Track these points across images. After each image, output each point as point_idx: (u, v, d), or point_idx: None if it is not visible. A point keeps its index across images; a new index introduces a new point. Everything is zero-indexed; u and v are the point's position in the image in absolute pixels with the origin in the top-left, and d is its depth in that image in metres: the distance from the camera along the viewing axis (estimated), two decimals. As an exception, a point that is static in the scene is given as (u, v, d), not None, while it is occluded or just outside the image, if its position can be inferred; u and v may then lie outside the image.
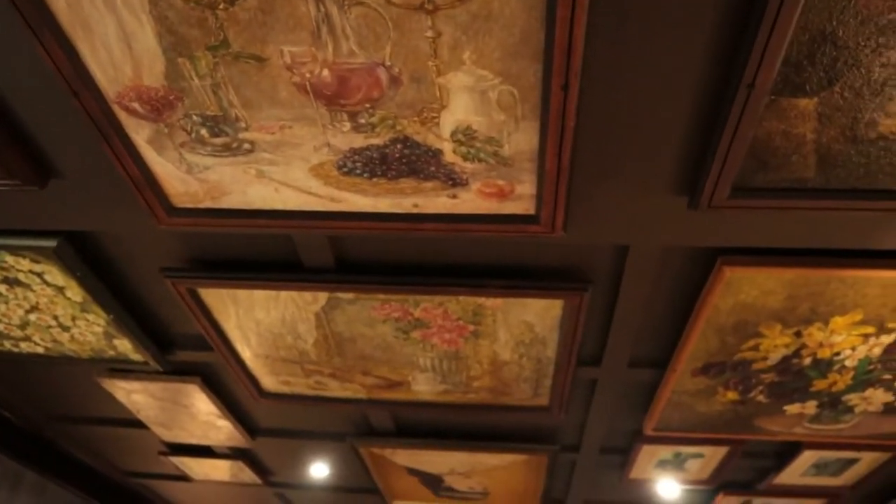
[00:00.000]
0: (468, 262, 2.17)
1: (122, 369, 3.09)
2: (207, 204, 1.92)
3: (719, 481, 3.75)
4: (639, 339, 2.55)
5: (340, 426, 3.50)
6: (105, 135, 1.69)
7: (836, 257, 2.00)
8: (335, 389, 2.96)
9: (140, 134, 1.71)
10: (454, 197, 1.76)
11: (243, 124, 1.64)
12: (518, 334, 2.41)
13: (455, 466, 3.70)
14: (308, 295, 2.35)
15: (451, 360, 2.64)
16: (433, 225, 1.84)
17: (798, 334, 2.32)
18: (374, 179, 1.75)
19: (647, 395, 2.90)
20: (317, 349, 2.65)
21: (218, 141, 1.71)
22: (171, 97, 1.60)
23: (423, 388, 2.85)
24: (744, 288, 2.11)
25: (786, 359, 2.47)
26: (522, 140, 1.58)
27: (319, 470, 4.10)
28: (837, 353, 2.43)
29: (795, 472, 3.56)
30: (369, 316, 2.41)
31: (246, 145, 1.71)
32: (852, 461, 3.43)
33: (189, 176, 1.83)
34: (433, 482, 3.95)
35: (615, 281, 2.21)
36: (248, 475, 4.25)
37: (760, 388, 2.67)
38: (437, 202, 1.79)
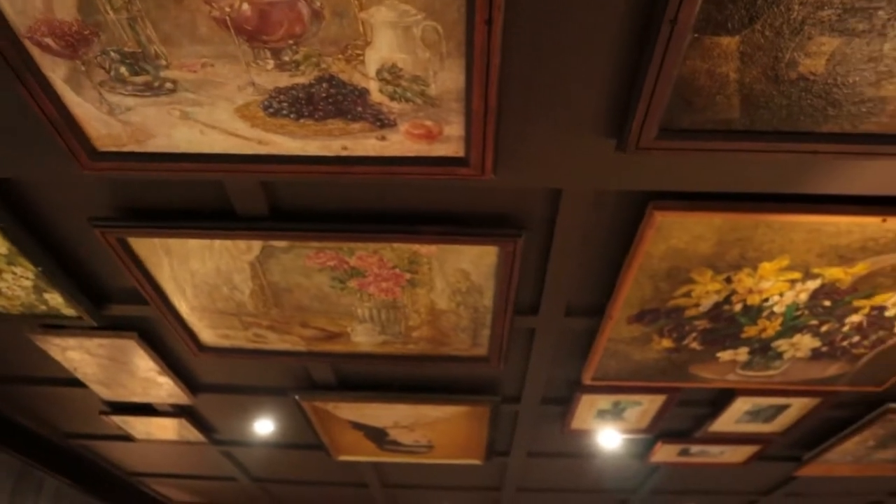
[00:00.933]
0: (402, 208, 2.16)
1: (56, 325, 3.02)
2: (132, 147, 1.86)
3: (658, 430, 3.85)
4: (575, 288, 2.58)
5: (282, 381, 3.49)
6: (18, 73, 1.63)
7: (762, 202, 2.04)
8: (274, 342, 2.94)
9: (56, 72, 1.64)
10: (383, 139, 1.74)
11: (164, 62, 1.59)
12: (454, 282, 2.41)
13: (398, 420, 3.73)
14: (242, 244, 2.32)
15: (389, 310, 2.64)
16: (363, 168, 1.82)
17: (728, 280, 2.38)
18: (302, 120, 1.72)
19: (585, 345, 2.94)
20: (254, 300, 2.63)
21: (138, 80, 1.66)
22: (86, 32, 1.54)
23: (363, 339, 2.85)
24: (675, 233, 2.14)
25: (717, 305, 2.52)
26: (448, 79, 1.57)
27: (264, 426, 4.09)
28: (766, 300, 2.49)
29: (730, 420, 3.66)
30: (304, 265, 2.38)
31: (168, 84, 1.66)
32: (783, 407, 3.54)
33: (111, 117, 1.77)
34: (377, 436, 3.97)
35: (549, 227, 2.22)
36: (191, 433, 4.22)
37: (694, 335, 2.73)
38: (366, 144, 1.76)
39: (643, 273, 2.35)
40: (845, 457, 4.28)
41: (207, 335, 2.94)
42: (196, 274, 2.50)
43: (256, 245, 2.32)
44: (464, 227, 2.16)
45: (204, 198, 2.20)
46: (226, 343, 2.98)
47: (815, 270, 2.31)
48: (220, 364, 3.31)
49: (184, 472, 5.25)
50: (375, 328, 2.77)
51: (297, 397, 3.50)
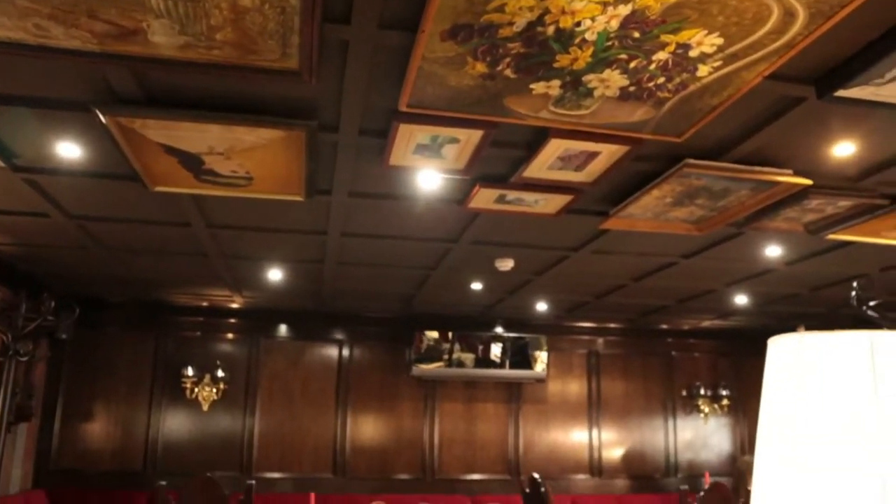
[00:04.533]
0: None
1: None
2: None
3: (475, 172, 3.94)
4: (388, -4, 2.45)
5: (79, 92, 3.21)
6: None
7: None
8: (60, 38, 2.65)
9: None
10: None
11: None
12: (254, -31, 2.22)
13: (213, 145, 3.59)
14: None
15: (187, 3, 2.41)
16: None
17: (541, -6, 2.33)
18: None
19: (401, 67, 2.86)
20: (26, -24, 2.32)
21: None
22: None
23: (161, 39, 2.62)
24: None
25: (531, 25, 2.48)
26: None
27: (69, 150, 3.84)
28: (578, 24, 2.48)
29: (543, 165, 3.79)
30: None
31: None
32: (594, 154, 3.69)
33: None
34: (193, 163, 3.83)
35: None
36: (-14, 152, 3.91)
37: (507, 59, 2.71)
38: None
39: (456, -21, 2.25)
40: (646, 212, 4.61)
41: (-20, 21, 2.60)
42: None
43: None
44: None
45: None
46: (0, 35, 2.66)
47: (626, -9, 2.30)
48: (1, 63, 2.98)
49: (-15, 204, 4.93)
50: (174, 26, 2.55)
51: (98, 111, 3.26)
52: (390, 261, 6.15)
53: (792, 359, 1.83)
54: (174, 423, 8.29)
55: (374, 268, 6.46)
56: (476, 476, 8.84)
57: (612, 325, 9.44)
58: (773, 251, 5.74)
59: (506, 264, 6.04)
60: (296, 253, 6.03)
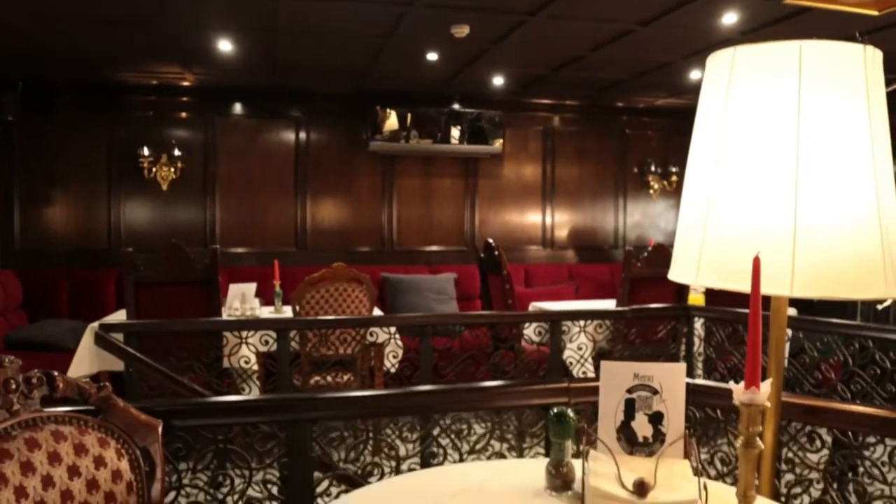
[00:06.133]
0: None
1: None
2: None
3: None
4: None
5: None
6: None
7: None
8: None
9: None
10: None
11: None
12: None
13: None
14: None
15: None
16: None
17: None
18: None
19: None
20: None
21: None
22: None
23: None
24: None
25: None
26: None
27: None
28: None
29: None
30: None
31: None
32: None
33: None
34: None
35: None
36: None
37: None
38: None
39: None
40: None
41: None
42: None
43: None
44: None
45: None
46: None
47: None
48: None
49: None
50: None
51: None
52: (342, 25, 5.97)
53: (726, 70, 1.94)
54: (135, 204, 8.37)
55: (327, 36, 6.29)
56: (433, 248, 9.23)
57: (569, 102, 9.49)
58: (730, 18, 5.72)
59: (461, 31, 5.96)
60: (243, 20, 5.83)
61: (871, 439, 2.66)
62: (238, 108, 8.63)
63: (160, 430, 1.94)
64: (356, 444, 2.67)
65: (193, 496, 2.62)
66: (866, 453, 2.72)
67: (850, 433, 2.61)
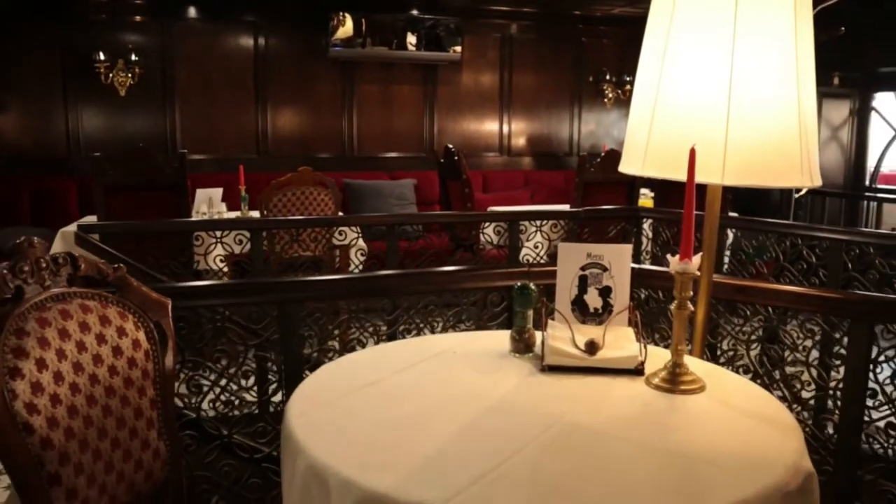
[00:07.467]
0: None
1: None
2: None
3: None
4: None
5: None
6: None
7: None
8: None
9: None
10: None
11: None
12: None
13: None
14: None
15: None
16: None
17: None
18: None
19: None
20: None
21: None
22: None
23: None
24: None
25: None
26: None
27: None
28: None
29: None
30: None
31: None
32: None
33: None
34: None
35: None
36: None
37: None
38: None
39: None
40: None
41: None
42: None
43: None
44: None
45: None
46: None
47: None
48: None
49: None
50: None
51: None
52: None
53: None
54: (92, 111, 8.29)
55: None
56: (393, 154, 9.40)
57: (526, 10, 9.56)
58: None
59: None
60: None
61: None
62: (193, 11, 8.52)
63: (170, 306, 2.18)
64: (338, 322, 2.96)
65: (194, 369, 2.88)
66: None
67: (769, 308, 3.00)
